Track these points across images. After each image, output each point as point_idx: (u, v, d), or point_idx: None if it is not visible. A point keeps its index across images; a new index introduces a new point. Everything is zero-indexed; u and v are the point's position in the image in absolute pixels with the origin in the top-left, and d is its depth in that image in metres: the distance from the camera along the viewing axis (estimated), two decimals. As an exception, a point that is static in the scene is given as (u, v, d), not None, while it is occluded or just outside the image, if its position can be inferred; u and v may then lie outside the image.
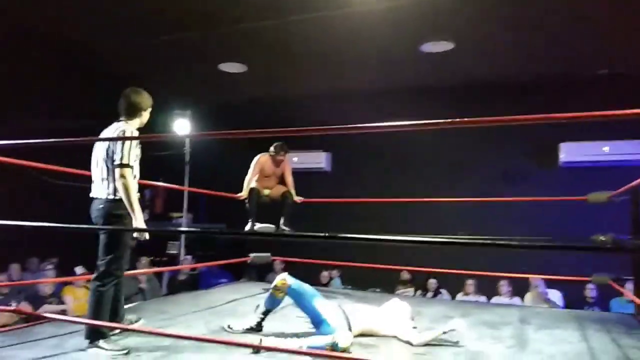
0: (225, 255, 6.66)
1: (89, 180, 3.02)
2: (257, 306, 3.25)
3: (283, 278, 3.16)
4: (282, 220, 4.91)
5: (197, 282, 6.89)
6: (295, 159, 7.10)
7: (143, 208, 8.58)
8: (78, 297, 5.65)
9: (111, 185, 2.84)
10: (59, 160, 3.65)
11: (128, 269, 3.28)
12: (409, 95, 7.07)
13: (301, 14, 5.23)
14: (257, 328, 3.18)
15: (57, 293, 5.66)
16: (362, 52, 6.15)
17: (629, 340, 3.21)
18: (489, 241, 1.74)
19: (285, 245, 6.12)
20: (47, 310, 5.01)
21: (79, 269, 5.82)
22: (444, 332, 2.93)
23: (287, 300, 3.27)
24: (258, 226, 4.92)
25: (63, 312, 5.19)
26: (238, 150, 6.61)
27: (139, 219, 2.82)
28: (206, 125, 7.55)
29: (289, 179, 5.04)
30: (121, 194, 2.79)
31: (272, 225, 5.06)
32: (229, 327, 3.19)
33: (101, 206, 2.85)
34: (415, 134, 7.04)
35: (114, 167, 2.80)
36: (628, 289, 4.45)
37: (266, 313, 3.21)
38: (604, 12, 5.05)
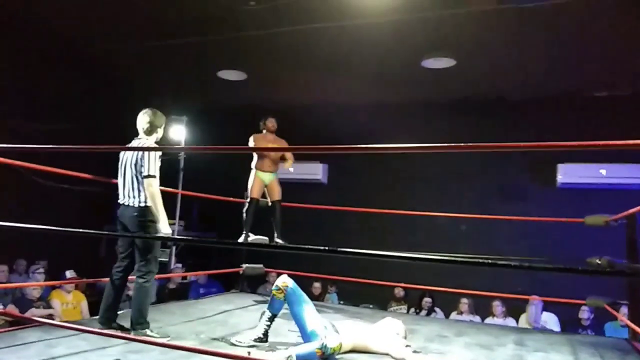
0: (216, 264, 6.60)
1: (82, 182, 3.15)
2: (262, 313, 3.21)
3: (284, 279, 3.17)
4: (275, 234, 4.85)
5: (186, 292, 6.80)
6: (291, 170, 7.05)
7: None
8: (66, 302, 5.56)
9: (142, 194, 3.23)
10: (52, 162, 3.67)
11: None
12: (409, 110, 7.09)
13: (303, 25, 5.24)
14: (264, 339, 3.15)
15: (45, 297, 5.57)
16: (363, 65, 6.16)
17: (623, 365, 3.19)
18: (488, 261, 1.71)
19: (278, 257, 6.06)
20: (34, 315, 4.91)
21: (69, 273, 5.72)
22: None
23: (279, 314, 3.23)
24: (252, 238, 4.86)
25: (50, 317, 5.09)
26: (232, 158, 6.60)
27: (162, 222, 3.24)
28: (203, 132, 7.52)
29: (288, 154, 4.89)
30: (149, 201, 3.20)
31: (266, 238, 5.01)
32: (237, 341, 3.14)
33: (135, 214, 3.23)
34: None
35: (142, 178, 3.21)
36: (622, 313, 4.43)
37: (272, 319, 3.19)
38: (605, 34, 5.10)
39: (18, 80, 6.51)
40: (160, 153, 3.32)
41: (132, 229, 3.24)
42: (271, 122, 4.83)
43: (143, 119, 3.38)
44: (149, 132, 3.38)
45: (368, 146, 1.88)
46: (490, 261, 1.63)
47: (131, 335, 2.99)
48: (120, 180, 3.34)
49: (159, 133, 3.45)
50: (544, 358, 3.27)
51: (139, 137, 3.42)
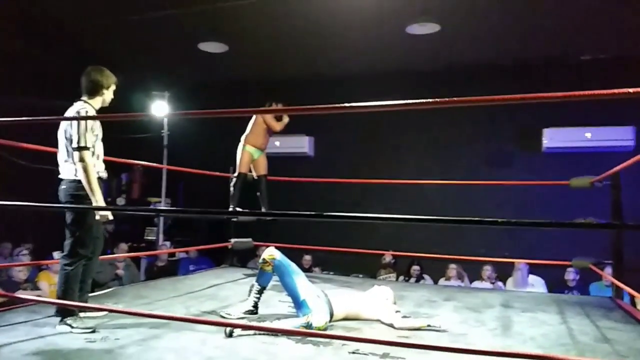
0: (205, 241, 6.58)
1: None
2: (251, 286, 3.20)
3: (270, 252, 3.14)
4: (263, 209, 4.85)
5: (176, 269, 6.80)
6: (277, 144, 6.99)
7: (119, 193, 8.41)
8: (53, 283, 5.51)
9: (72, 167, 2.87)
10: (30, 141, 3.53)
11: (104, 254, 3.24)
12: (395, 78, 7.03)
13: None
14: (254, 311, 3.14)
15: (32, 279, 5.52)
16: (347, 34, 6.05)
17: (607, 321, 3.27)
18: (475, 218, 1.70)
19: (267, 231, 6.05)
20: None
21: (57, 254, 5.65)
22: (429, 326, 2.92)
23: (269, 285, 3.24)
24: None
25: (38, 299, 5.04)
26: (217, 133, 6.50)
27: (98, 201, 2.84)
28: (185, 107, 7.40)
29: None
30: (80, 176, 2.82)
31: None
32: (227, 314, 3.13)
33: (64, 187, 2.90)
34: (399, 118, 7.03)
35: (73, 150, 2.83)
36: (607, 273, 4.52)
37: (261, 292, 3.18)
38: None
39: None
40: (94, 120, 2.89)
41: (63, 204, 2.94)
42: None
43: (85, 78, 2.97)
44: (92, 92, 2.97)
45: (343, 105, 1.83)
46: (477, 219, 1.62)
47: (119, 308, 2.95)
48: (58, 152, 2.99)
49: (106, 95, 3.03)
50: (532, 318, 3.33)
51: (80, 98, 3.00)
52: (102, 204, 2.88)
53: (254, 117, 4.80)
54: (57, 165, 2.99)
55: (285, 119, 4.85)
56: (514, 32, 6.00)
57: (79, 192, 2.85)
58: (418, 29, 5.75)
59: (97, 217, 2.87)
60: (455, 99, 1.67)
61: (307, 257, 6.61)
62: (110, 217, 2.93)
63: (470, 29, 5.94)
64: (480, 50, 6.57)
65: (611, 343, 2.76)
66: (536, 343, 2.76)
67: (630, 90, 1.50)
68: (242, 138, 4.78)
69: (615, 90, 1.53)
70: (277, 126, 4.78)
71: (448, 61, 6.88)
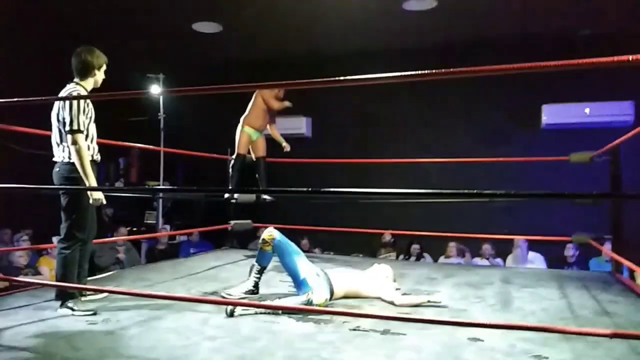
0: (205, 224, 6.57)
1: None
2: (252, 266, 3.21)
3: (270, 232, 3.15)
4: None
5: (176, 252, 6.81)
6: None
7: (117, 177, 8.34)
8: (54, 268, 5.52)
9: (66, 149, 2.86)
10: (25, 126, 3.49)
11: (102, 237, 3.24)
12: (392, 56, 6.93)
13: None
14: (255, 290, 3.15)
15: (33, 265, 5.53)
16: (343, 10, 5.95)
17: (606, 295, 3.29)
18: (474, 191, 1.68)
19: (266, 213, 6.03)
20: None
21: (56, 239, 5.65)
22: (429, 302, 2.93)
23: (270, 266, 3.24)
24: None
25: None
26: (215, 115, 6.45)
27: (91, 184, 2.84)
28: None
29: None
30: (74, 159, 2.81)
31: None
32: (228, 294, 3.14)
33: (57, 170, 2.89)
34: (397, 97, 6.97)
35: (66, 133, 2.81)
36: (606, 248, 4.53)
37: (261, 272, 3.19)
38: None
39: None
40: (86, 102, 2.84)
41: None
42: (281, 91, 4.80)
43: (76, 59, 2.92)
44: (84, 74, 2.92)
45: (335, 79, 1.80)
46: (476, 191, 1.61)
47: (119, 289, 2.95)
48: (52, 135, 2.96)
49: (97, 76, 2.98)
50: (532, 293, 3.35)
51: (72, 80, 2.96)
52: (94, 185, 2.87)
53: (253, 98, 4.77)
54: (51, 149, 2.97)
55: (287, 103, 4.80)
56: (512, 8, 5.90)
57: (72, 175, 2.83)
58: (415, 4, 5.66)
59: (91, 201, 2.84)
60: (452, 70, 1.65)
61: (304, 242, 6.60)
62: (104, 202, 2.90)
63: (468, 5, 5.84)
64: (478, 27, 6.47)
65: (611, 316, 2.78)
66: (536, 317, 2.77)
67: (630, 57, 1.47)
68: (241, 119, 4.75)
69: (615, 58, 1.51)
70: (276, 104, 4.74)
71: (446, 38, 6.79)
